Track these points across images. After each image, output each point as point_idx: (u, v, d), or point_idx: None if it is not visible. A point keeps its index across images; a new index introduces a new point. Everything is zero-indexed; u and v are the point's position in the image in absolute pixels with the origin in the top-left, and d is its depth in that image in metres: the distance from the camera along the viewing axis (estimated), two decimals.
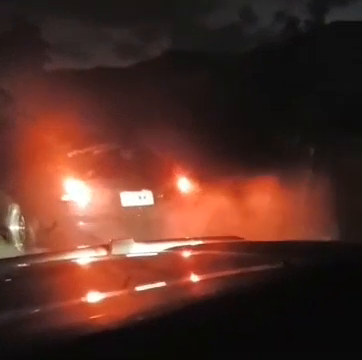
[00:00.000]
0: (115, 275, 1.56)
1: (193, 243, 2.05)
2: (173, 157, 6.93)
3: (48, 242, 5.81)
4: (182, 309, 1.01)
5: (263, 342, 0.91)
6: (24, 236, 6.63)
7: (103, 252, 1.88)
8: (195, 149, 7.09)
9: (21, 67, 8.37)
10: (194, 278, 1.47)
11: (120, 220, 6.32)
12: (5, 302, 1.28)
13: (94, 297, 1.29)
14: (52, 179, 6.49)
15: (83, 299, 1.27)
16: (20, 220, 6.74)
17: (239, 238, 2.18)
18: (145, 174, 6.77)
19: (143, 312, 1.00)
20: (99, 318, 1.03)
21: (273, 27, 15.15)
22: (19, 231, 6.73)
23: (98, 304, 1.22)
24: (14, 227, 6.78)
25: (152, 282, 1.30)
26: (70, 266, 1.82)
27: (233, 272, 1.36)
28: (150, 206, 6.80)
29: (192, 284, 1.38)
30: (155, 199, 6.84)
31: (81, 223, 6.51)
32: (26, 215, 6.68)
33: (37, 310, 1.14)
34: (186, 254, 1.89)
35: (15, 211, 6.80)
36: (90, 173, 6.69)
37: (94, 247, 2.00)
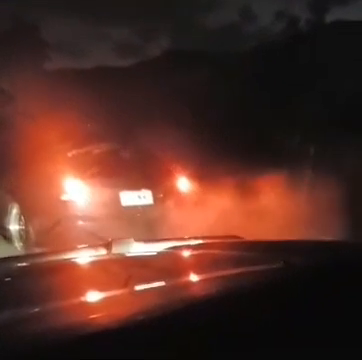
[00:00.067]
0: (115, 274, 1.56)
1: (193, 242, 2.05)
2: (173, 156, 6.93)
3: (48, 241, 5.81)
4: (182, 308, 1.01)
5: (263, 341, 0.91)
6: (24, 235, 6.63)
7: (103, 251, 1.88)
8: (195, 148, 7.09)
9: (21, 66, 8.36)
10: (194, 277, 1.47)
11: (120, 220, 6.32)
12: (5, 301, 1.28)
13: (94, 296, 1.29)
14: (52, 178, 6.49)
15: (83, 298, 1.27)
16: (20, 219, 6.74)
17: (239, 237, 2.18)
18: (145, 173, 6.77)
19: (143, 311, 1.00)
20: (99, 317, 1.03)
21: (273, 26, 15.17)
22: (19, 230, 6.73)
23: (98, 303, 1.22)
24: (14, 226, 6.78)
25: (152, 281, 1.30)
26: (70, 265, 1.82)
27: (233, 271, 1.36)
28: (149, 206, 6.80)
29: (192, 283, 1.38)
30: (154, 199, 6.84)
31: (81, 222, 6.51)
32: (26, 214, 6.68)
33: (37, 309, 1.14)
34: (186, 253, 1.89)
35: (15, 210, 6.80)
36: (90, 172, 6.69)
37: (94, 246, 2.00)
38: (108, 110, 8.30)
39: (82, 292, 1.32)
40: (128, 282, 1.31)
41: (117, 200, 6.63)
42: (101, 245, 1.93)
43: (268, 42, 14.31)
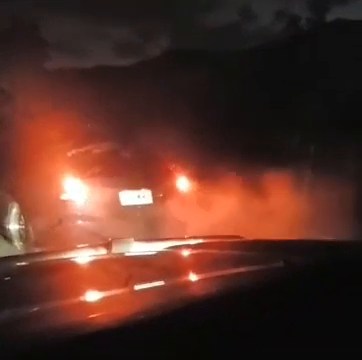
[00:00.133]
0: (115, 274, 1.56)
1: (193, 242, 2.05)
2: (173, 156, 6.94)
3: (48, 241, 5.81)
4: (182, 308, 1.01)
5: (263, 340, 0.91)
6: (24, 235, 6.63)
7: (103, 251, 1.88)
8: (195, 148, 7.09)
9: (21, 66, 8.35)
10: (194, 277, 1.47)
11: (120, 219, 6.32)
12: (5, 301, 1.28)
13: (94, 296, 1.29)
14: (52, 178, 6.49)
15: (83, 298, 1.27)
16: (20, 219, 6.74)
17: (239, 237, 2.18)
18: (145, 173, 6.78)
19: (143, 311, 1.00)
20: (99, 316, 1.03)
21: (273, 26, 15.21)
22: (19, 230, 6.72)
23: (98, 303, 1.22)
24: (14, 226, 6.78)
25: (152, 281, 1.30)
26: (70, 265, 1.82)
27: (233, 271, 1.36)
28: (149, 205, 6.80)
29: (192, 283, 1.38)
30: (154, 198, 6.84)
31: (81, 222, 6.51)
32: (26, 214, 6.68)
33: (37, 309, 1.14)
34: (186, 253, 1.89)
35: (15, 210, 6.80)
36: (90, 172, 6.69)
37: (94, 246, 2.00)
38: (108, 109, 8.30)
39: (82, 291, 1.32)
40: (128, 281, 1.31)
41: (117, 200, 6.64)
42: (101, 245, 1.93)
43: (268, 41, 14.32)
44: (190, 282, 1.39)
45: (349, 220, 5.94)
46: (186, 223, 5.81)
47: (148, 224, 6.20)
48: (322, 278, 1.16)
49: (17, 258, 2.19)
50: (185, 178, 7.20)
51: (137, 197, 6.76)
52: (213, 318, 0.96)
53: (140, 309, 1.02)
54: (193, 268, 1.62)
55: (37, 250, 5.65)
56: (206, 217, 6.08)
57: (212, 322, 0.95)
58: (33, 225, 6.50)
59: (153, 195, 6.81)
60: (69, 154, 6.86)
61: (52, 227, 6.07)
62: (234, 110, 10.82)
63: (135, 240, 1.96)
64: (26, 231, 6.59)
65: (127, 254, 1.89)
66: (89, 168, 6.70)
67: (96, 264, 1.84)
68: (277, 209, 6.28)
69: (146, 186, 6.82)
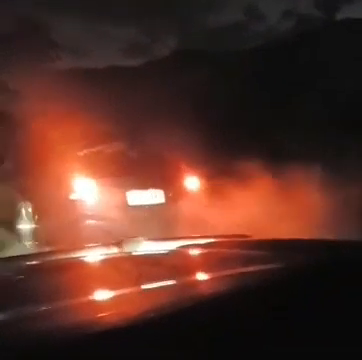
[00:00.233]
0: (125, 273, 1.57)
1: (202, 241, 2.05)
2: (182, 156, 6.94)
3: (59, 240, 5.84)
4: (191, 307, 1.02)
5: (271, 339, 0.91)
6: (35, 234, 6.67)
7: (113, 250, 1.89)
8: (204, 148, 7.09)
9: (32, 67, 8.40)
10: (203, 276, 1.47)
11: (130, 219, 6.34)
12: (16, 299, 1.30)
13: (104, 295, 1.30)
14: (63, 178, 6.52)
15: (93, 296, 1.28)
16: (31, 218, 6.79)
17: (247, 236, 2.18)
18: (155, 172, 6.79)
19: (152, 309, 1.01)
20: (108, 315, 1.04)
21: (280, 25, 15.13)
22: (30, 229, 6.77)
23: (108, 301, 1.23)
24: (25, 225, 6.83)
25: (161, 280, 1.31)
26: (80, 264, 1.83)
27: (241, 270, 1.36)
28: (160, 204, 6.82)
29: (201, 282, 1.38)
30: (165, 197, 6.85)
31: (92, 222, 6.54)
32: (37, 213, 6.72)
33: (47, 307, 1.15)
34: (195, 252, 1.89)
35: (26, 209, 6.85)
36: (101, 172, 6.71)
37: (104, 245, 2.01)
38: (117, 109, 8.32)
39: (92, 290, 1.33)
40: (138, 280, 1.31)
41: (128, 199, 6.66)
42: (112, 244, 1.94)
43: (276, 41, 14.26)
44: (199, 281, 1.40)
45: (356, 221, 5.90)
46: (197, 222, 5.81)
47: (159, 223, 6.21)
48: (329, 277, 1.16)
49: (28, 257, 2.21)
50: (194, 178, 7.21)
51: (148, 197, 6.78)
52: (221, 317, 0.97)
53: (150, 308, 1.03)
54: (202, 267, 1.62)
55: (48, 249, 5.69)
56: (216, 215, 6.08)
57: (220, 321, 0.95)
58: (44, 224, 6.54)
59: (165, 194, 6.83)
60: (80, 154, 6.90)
61: (64, 226, 6.10)
62: (243, 110, 10.79)
63: (145, 239, 1.97)
64: (37, 230, 6.64)
65: (137, 253, 1.90)
66: (101, 168, 6.73)
67: (106, 263, 1.85)
68: (289, 209, 6.26)
69: (157, 186, 6.84)
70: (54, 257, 1.96)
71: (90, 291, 1.31)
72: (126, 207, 6.62)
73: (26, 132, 6.84)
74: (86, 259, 1.88)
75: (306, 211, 6.18)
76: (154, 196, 6.82)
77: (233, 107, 10.92)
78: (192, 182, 7.21)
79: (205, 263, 1.71)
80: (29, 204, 6.83)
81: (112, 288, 1.28)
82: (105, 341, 0.87)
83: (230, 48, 14.38)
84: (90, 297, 1.26)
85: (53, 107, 6.91)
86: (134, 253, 1.89)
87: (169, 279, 1.33)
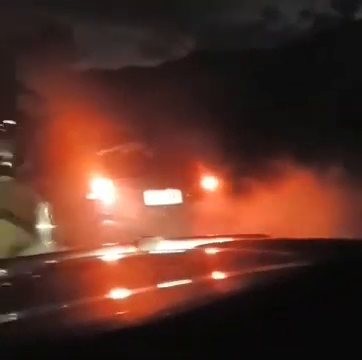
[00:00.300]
0: (142, 272, 1.58)
1: (219, 240, 2.05)
2: (199, 156, 6.94)
3: (77, 240, 5.88)
4: (207, 306, 1.02)
5: (289, 338, 0.91)
6: (54, 234, 6.73)
7: (131, 249, 1.90)
8: (222, 148, 7.07)
9: (51, 68, 8.47)
10: (220, 275, 1.47)
11: (148, 219, 6.35)
12: (35, 298, 1.31)
13: (121, 294, 1.31)
14: (81, 178, 6.57)
15: (110, 295, 1.29)
16: (50, 218, 6.85)
17: (264, 236, 2.17)
18: (173, 173, 6.80)
19: (169, 309, 1.01)
20: (126, 314, 1.05)
21: (299, 24, 14.98)
22: (49, 229, 6.83)
23: (125, 300, 1.23)
24: (44, 225, 6.89)
25: (178, 279, 1.31)
26: (98, 263, 1.85)
27: (259, 269, 1.36)
28: (178, 205, 6.83)
29: (217, 281, 1.38)
30: (183, 198, 6.86)
31: (110, 221, 6.58)
32: (55, 213, 6.78)
33: (65, 305, 1.16)
34: (212, 251, 1.89)
35: (45, 209, 6.91)
36: (118, 172, 6.75)
37: (122, 244, 2.02)
38: (135, 110, 8.35)
39: (109, 289, 1.34)
40: (155, 279, 1.32)
41: (145, 199, 6.68)
42: (129, 243, 1.95)
43: (293, 41, 14.17)
44: (216, 280, 1.40)
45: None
46: (214, 222, 5.80)
47: (177, 223, 6.21)
48: (348, 277, 1.15)
49: (47, 256, 2.23)
50: (212, 178, 7.20)
51: (166, 197, 6.80)
52: (238, 316, 0.97)
53: (166, 307, 1.04)
54: (219, 266, 1.62)
55: (66, 249, 5.73)
56: (235, 216, 6.06)
57: (237, 320, 0.95)
58: (62, 224, 6.59)
59: (182, 195, 6.84)
60: (99, 154, 6.95)
61: (82, 226, 6.14)
62: (260, 110, 10.75)
63: (162, 239, 1.97)
64: (56, 230, 6.69)
65: (154, 252, 1.91)
66: (118, 168, 6.76)
67: (123, 262, 1.86)
68: (307, 208, 6.21)
69: (175, 186, 6.85)
70: (72, 256, 1.98)
71: (107, 290, 1.32)
72: (143, 207, 6.64)
73: (45, 132, 6.90)
74: (103, 258, 1.90)
75: (324, 211, 6.12)
76: (172, 196, 6.83)
77: (250, 107, 10.88)
78: (209, 182, 7.21)
79: (222, 262, 1.71)
80: (48, 204, 6.89)
81: (129, 287, 1.29)
82: (123, 339, 0.88)
83: (248, 49, 14.31)
84: (107, 296, 1.27)
85: (71, 108, 6.96)
86: (151, 252, 1.90)
87: (186, 278, 1.33)
